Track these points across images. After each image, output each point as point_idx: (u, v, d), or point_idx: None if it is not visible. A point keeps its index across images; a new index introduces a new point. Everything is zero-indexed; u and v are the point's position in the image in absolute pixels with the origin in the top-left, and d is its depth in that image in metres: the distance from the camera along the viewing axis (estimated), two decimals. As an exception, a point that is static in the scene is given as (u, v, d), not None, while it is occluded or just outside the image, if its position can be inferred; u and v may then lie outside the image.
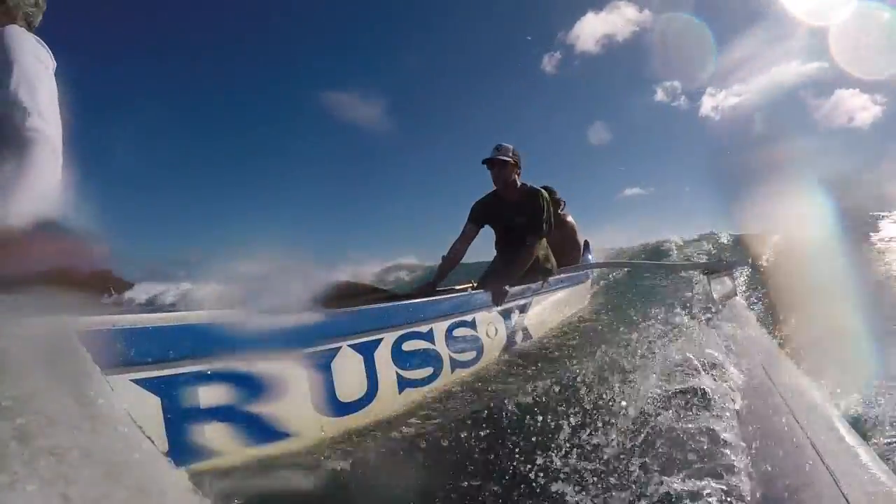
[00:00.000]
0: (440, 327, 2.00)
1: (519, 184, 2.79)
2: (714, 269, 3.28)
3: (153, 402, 1.09)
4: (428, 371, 1.86)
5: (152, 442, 0.53)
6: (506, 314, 2.51)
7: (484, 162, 2.75)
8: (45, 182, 1.02)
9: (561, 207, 4.30)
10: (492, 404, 1.63)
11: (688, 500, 0.98)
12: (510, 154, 2.72)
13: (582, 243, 4.48)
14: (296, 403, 1.38)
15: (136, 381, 1.08)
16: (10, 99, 1.04)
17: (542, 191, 2.83)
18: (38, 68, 1.09)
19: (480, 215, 2.89)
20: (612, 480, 1.08)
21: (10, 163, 1.05)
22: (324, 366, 1.48)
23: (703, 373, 1.75)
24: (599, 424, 1.37)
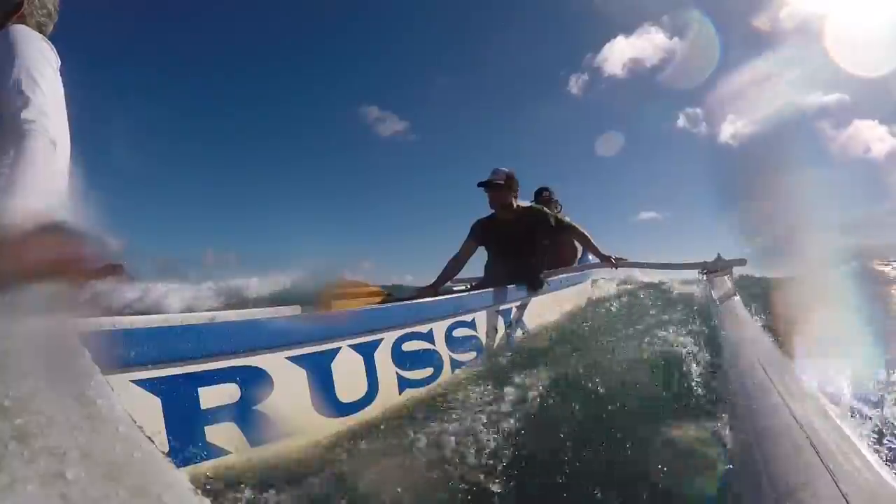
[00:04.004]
0: (440, 328, 2.00)
1: (515, 205, 2.91)
2: (713, 268, 3.28)
3: (153, 403, 1.10)
4: (428, 371, 1.86)
5: (152, 442, 0.53)
6: (505, 314, 2.51)
7: (479, 185, 2.89)
8: (41, 176, 1.00)
9: (558, 209, 4.31)
10: (491, 404, 1.63)
11: (685, 500, 0.98)
12: (504, 177, 2.84)
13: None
14: (296, 404, 1.38)
15: (136, 382, 1.08)
16: (10, 91, 1.01)
17: (534, 204, 3.10)
18: (41, 64, 1.07)
19: (479, 234, 3.00)
20: (609, 479, 1.08)
21: (6, 156, 1.04)
22: (324, 366, 1.48)
23: (701, 372, 1.75)
24: (598, 422, 1.37)
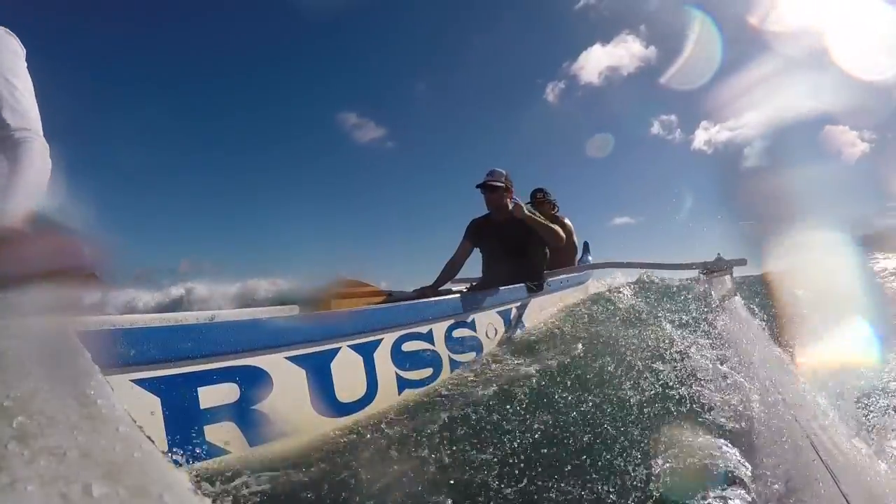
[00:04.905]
0: (439, 328, 2.00)
1: (511, 206, 2.88)
2: (714, 268, 3.28)
3: (153, 402, 1.10)
4: (427, 372, 1.86)
5: (152, 442, 0.53)
6: (505, 315, 2.51)
7: (477, 187, 2.88)
8: (41, 181, 1.00)
9: (555, 210, 4.32)
10: (491, 404, 1.63)
11: (687, 499, 0.98)
12: (502, 179, 2.82)
13: (581, 244, 4.49)
14: (295, 404, 1.38)
15: (136, 381, 1.08)
16: None
17: (525, 206, 2.99)
18: (14, 63, 1.05)
19: (474, 235, 2.99)
20: (611, 478, 1.08)
21: (1, 163, 1.03)
22: (323, 366, 1.48)
23: (701, 372, 1.75)
24: (597, 422, 1.37)
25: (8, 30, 1.11)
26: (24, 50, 1.12)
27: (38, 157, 1.01)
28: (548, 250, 3.02)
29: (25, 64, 1.11)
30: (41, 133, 1.05)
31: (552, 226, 2.82)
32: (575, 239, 4.34)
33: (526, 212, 2.77)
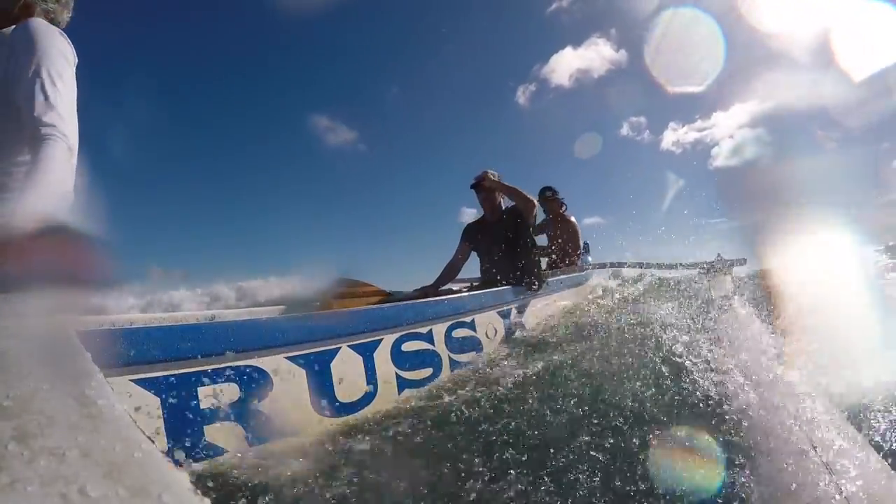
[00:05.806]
0: (439, 328, 2.00)
1: (503, 206, 2.96)
2: (714, 268, 3.28)
3: (153, 402, 1.10)
4: (427, 372, 1.86)
5: (152, 442, 0.53)
6: (505, 315, 2.51)
7: (472, 187, 2.95)
8: (59, 181, 1.00)
9: (563, 208, 4.32)
10: (491, 405, 1.63)
11: (686, 499, 0.98)
12: (495, 178, 2.89)
13: (582, 244, 4.50)
14: (295, 404, 1.38)
15: (136, 381, 1.08)
16: (31, 90, 1.00)
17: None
18: (61, 64, 1.05)
19: (470, 237, 3.07)
20: (610, 478, 1.08)
21: (24, 158, 1.03)
22: (323, 366, 1.48)
23: (702, 372, 1.75)
24: (597, 422, 1.37)
25: (65, 36, 1.11)
26: (77, 59, 1.12)
27: (60, 158, 0.99)
28: (543, 251, 3.06)
29: (74, 72, 1.10)
30: (74, 140, 1.03)
31: (522, 191, 2.87)
32: (580, 239, 4.35)
33: (493, 178, 2.89)
